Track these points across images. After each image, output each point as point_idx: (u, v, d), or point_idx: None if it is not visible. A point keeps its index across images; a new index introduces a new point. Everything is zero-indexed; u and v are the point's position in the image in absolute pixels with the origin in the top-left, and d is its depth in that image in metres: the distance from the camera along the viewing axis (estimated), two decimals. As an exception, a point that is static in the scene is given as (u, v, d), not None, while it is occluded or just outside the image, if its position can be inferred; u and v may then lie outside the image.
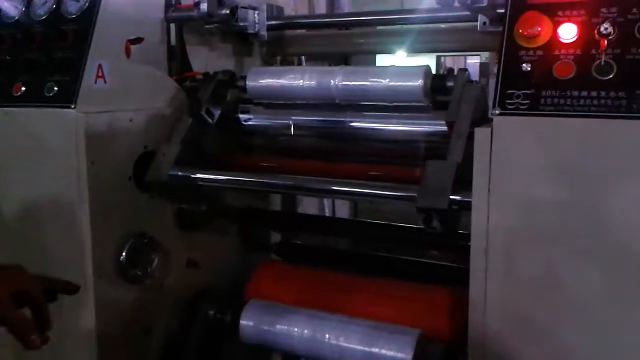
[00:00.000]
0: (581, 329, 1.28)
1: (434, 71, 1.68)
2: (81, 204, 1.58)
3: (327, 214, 2.56)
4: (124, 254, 1.67)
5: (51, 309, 1.66)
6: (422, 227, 1.87)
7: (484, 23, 1.71)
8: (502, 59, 1.31)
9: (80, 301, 1.62)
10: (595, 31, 1.23)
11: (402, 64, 3.23)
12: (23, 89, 1.65)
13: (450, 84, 1.60)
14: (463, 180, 1.43)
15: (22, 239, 1.69)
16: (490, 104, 1.32)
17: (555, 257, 1.28)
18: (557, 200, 1.25)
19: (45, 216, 1.65)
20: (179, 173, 1.72)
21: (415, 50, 2.19)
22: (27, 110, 1.63)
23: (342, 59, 2.36)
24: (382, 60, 2.83)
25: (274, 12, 2.08)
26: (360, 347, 1.62)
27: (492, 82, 1.61)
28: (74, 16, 1.65)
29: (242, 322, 1.77)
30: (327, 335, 1.66)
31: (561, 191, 1.24)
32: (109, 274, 1.65)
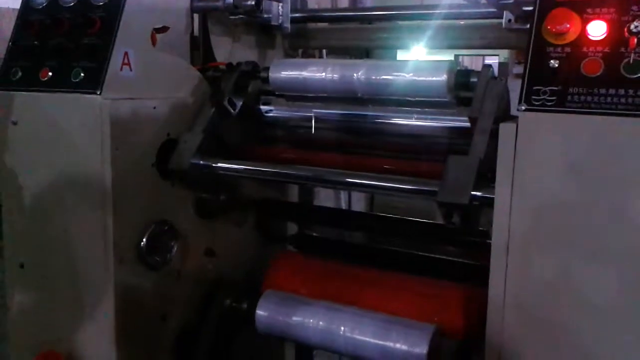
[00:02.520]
0: (598, 331, 1.28)
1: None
2: (104, 190, 1.60)
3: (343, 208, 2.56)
4: (144, 240, 1.69)
5: (71, 292, 1.70)
6: (438, 222, 1.90)
7: (510, 20, 1.71)
8: (530, 55, 1.30)
9: (100, 285, 1.65)
10: (625, 29, 1.22)
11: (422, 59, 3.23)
12: (50, 74, 1.67)
13: (474, 80, 1.60)
14: (484, 177, 1.43)
15: (45, 223, 1.72)
16: (513, 97, 1.32)
17: (578, 257, 1.27)
18: (580, 199, 1.24)
19: (68, 201, 1.67)
20: (201, 162, 1.74)
21: (437, 47, 2.18)
22: (54, 96, 1.65)
23: (364, 54, 2.37)
24: (401, 56, 2.83)
25: (298, 4, 2.09)
26: (375, 341, 1.62)
27: (511, 81, 1.61)
28: (101, 3, 1.66)
29: (258, 312, 1.78)
30: (342, 328, 1.67)
31: (585, 190, 1.24)
32: (129, 260, 1.67)
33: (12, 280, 1.80)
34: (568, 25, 1.27)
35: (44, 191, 1.71)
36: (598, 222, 1.24)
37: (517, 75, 1.91)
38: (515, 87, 1.63)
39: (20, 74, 1.72)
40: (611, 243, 1.23)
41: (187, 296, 1.88)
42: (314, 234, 2.26)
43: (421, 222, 1.96)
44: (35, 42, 1.72)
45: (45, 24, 1.71)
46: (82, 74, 1.62)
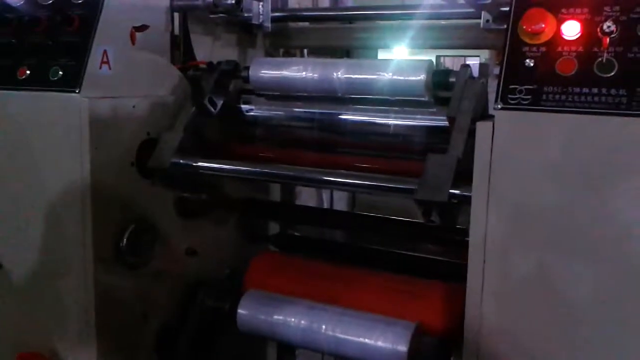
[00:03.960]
0: (575, 328, 1.30)
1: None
2: (83, 189, 1.59)
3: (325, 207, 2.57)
4: (124, 239, 1.68)
5: (51, 292, 1.69)
6: (419, 221, 1.91)
7: (487, 20, 1.73)
8: (506, 54, 1.32)
9: (80, 285, 1.64)
10: (598, 29, 1.24)
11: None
12: (28, 72, 1.66)
13: (452, 79, 1.61)
14: (463, 175, 1.45)
15: (24, 223, 1.70)
16: (493, 98, 1.33)
17: (554, 255, 1.29)
18: (556, 197, 1.26)
19: (46, 200, 1.66)
20: (181, 161, 1.73)
21: (417, 47, 2.20)
22: (32, 94, 1.64)
23: (345, 53, 2.38)
24: (383, 56, 2.85)
25: (279, 4, 2.10)
26: (356, 339, 1.63)
27: (491, 82, 1.63)
28: (80, 1, 1.65)
29: (240, 311, 1.78)
30: (323, 326, 1.68)
31: (561, 187, 1.25)
32: (109, 259, 1.66)
33: (-10, 281, 1.79)
34: (543, 25, 1.29)
35: (22, 190, 1.69)
36: (574, 220, 1.26)
37: (498, 76, 1.94)
38: (495, 88, 1.65)
39: (-4, 72, 1.70)
40: (588, 240, 1.25)
41: (168, 295, 1.87)
42: (296, 234, 2.27)
43: (402, 220, 1.97)
44: (13, 40, 1.70)
45: (22, 22, 1.69)
46: (60, 72, 1.61)
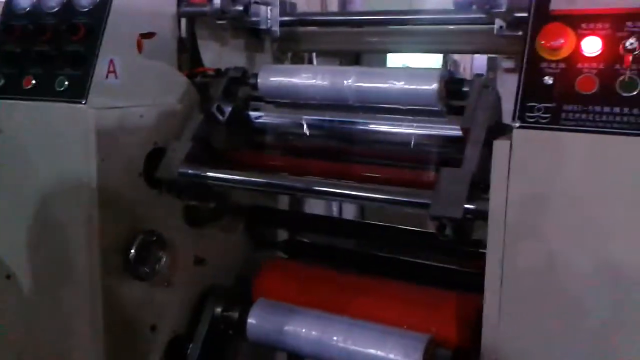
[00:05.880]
0: (594, 339, 1.28)
1: (441, 67, 1.66)
2: (91, 200, 1.57)
3: (334, 213, 2.55)
4: (132, 250, 1.66)
5: (59, 304, 1.68)
6: (430, 231, 1.89)
7: (501, 27, 1.70)
8: (523, 70, 1.29)
9: (88, 296, 1.62)
10: (620, 46, 1.21)
11: (411, 60, 3.20)
12: (33, 82, 1.64)
13: (465, 89, 1.59)
14: (477, 187, 1.42)
15: (32, 234, 1.68)
16: (507, 96, 1.31)
17: (572, 272, 1.27)
18: (575, 217, 1.24)
19: (54, 211, 1.64)
20: (189, 171, 1.71)
21: (427, 51, 2.17)
22: (38, 104, 1.62)
23: (353, 57, 2.34)
24: (392, 58, 2.81)
25: (287, 8, 2.06)
26: (368, 350, 1.62)
27: (500, 76, 1.60)
28: (86, 9, 1.63)
29: (250, 320, 1.77)
30: (334, 337, 1.66)
31: (579, 208, 1.23)
32: (117, 270, 1.65)
33: (-2, 292, 1.78)
34: (562, 41, 1.25)
35: (30, 201, 1.67)
36: (592, 240, 1.24)
37: (507, 70, 1.90)
38: (504, 82, 1.61)
39: (2, 81, 1.68)
40: (605, 260, 1.23)
41: (177, 305, 1.86)
42: (305, 240, 2.24)
43: (413, 230, 1.95)
44: (17, 49, 1.68)
45: (27, 30, 1.67)
46: (66, 82, 1.59)
